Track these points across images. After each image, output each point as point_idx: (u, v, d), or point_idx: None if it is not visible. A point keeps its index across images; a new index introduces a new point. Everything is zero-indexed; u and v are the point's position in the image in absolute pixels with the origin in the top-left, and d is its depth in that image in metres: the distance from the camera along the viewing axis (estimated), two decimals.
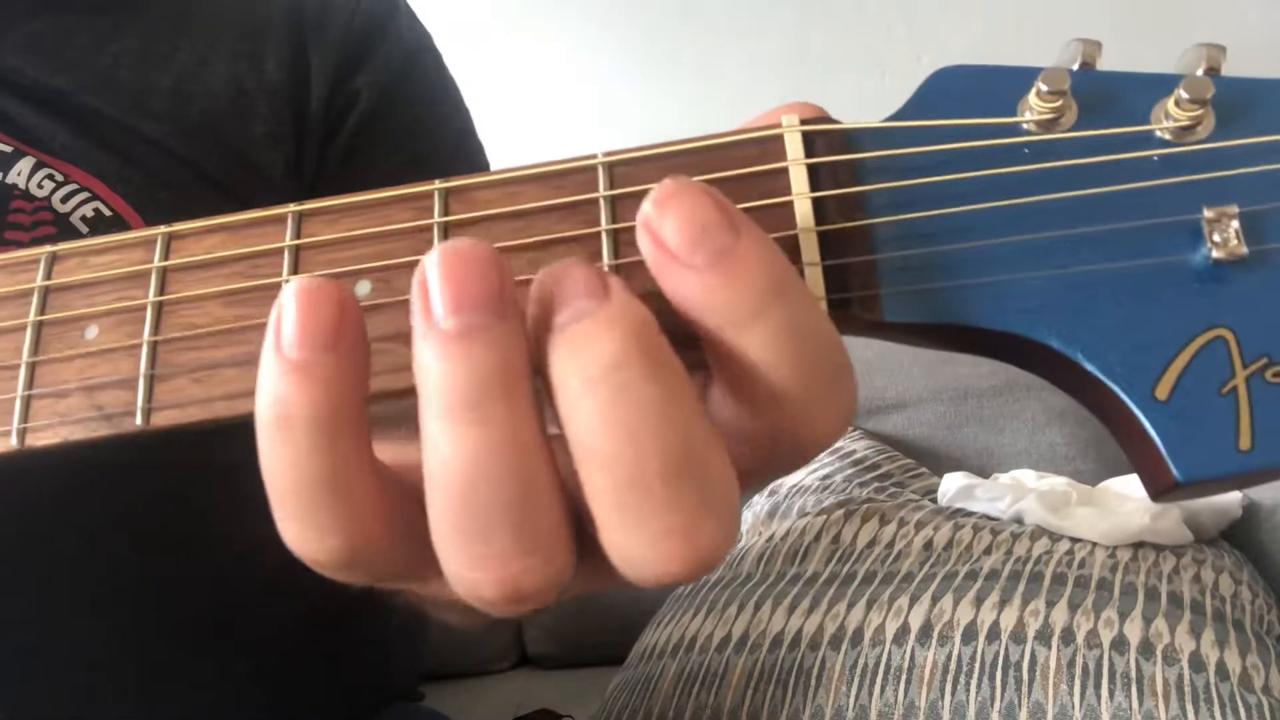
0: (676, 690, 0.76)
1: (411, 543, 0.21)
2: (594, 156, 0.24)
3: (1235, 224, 0.22)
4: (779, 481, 1.12)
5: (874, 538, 0.89)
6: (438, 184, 0.25)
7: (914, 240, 0.23)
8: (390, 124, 0.55)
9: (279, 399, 0.20)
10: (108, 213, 0.46)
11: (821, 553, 0.88)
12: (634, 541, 0.19)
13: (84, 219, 0.46)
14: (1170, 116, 0.23)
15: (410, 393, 0.20)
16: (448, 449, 0.19)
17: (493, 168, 0.62)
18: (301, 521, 0.21)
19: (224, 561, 0.50)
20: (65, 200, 0.46)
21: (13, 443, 0.25)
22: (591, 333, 0.19)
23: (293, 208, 0.25)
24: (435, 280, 0.19)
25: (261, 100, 0.52)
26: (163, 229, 0.26)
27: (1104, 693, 0.65)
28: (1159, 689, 0.65)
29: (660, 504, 0.19)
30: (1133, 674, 0.66)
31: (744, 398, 0.21)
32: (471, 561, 0.20)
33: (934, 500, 1.00)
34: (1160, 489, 0.22)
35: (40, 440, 0.25)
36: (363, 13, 0.56)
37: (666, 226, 0.20)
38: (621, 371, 0.19)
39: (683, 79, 1.53)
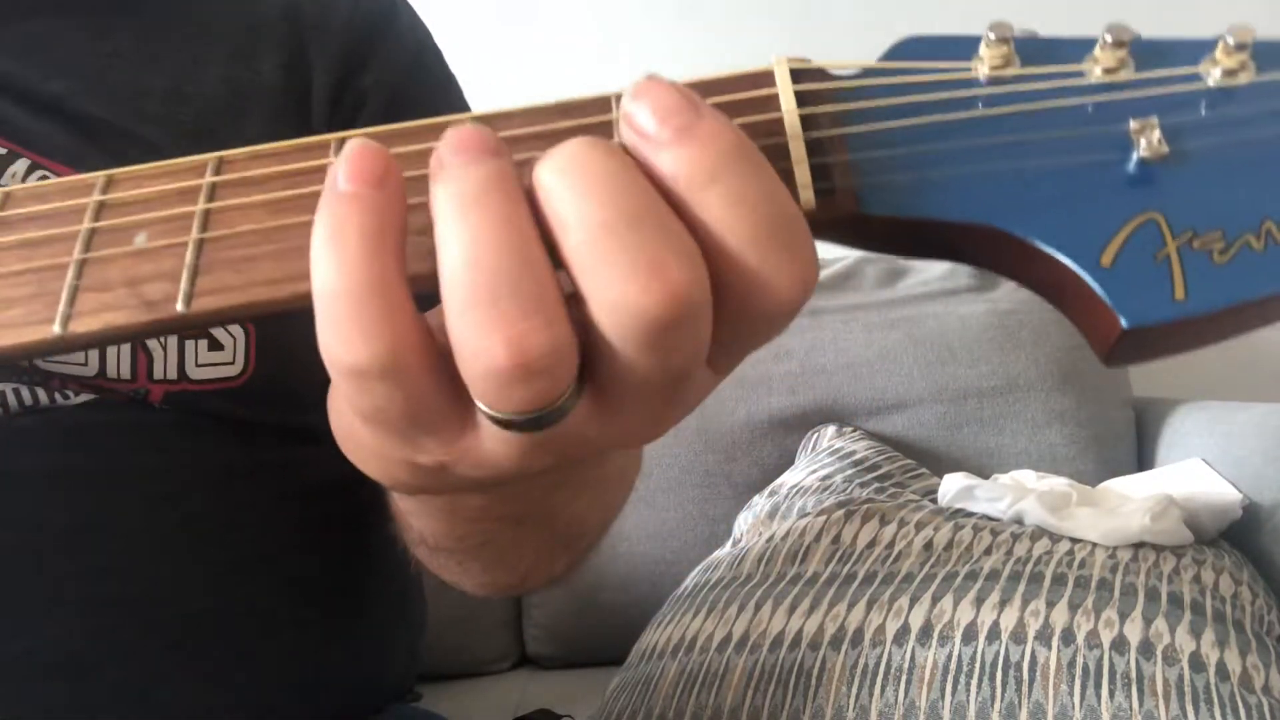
0: (676, 690, 0.76)
1: (439, 375, 0.25)
2: (610, 92, 0.28)
3: (1157, 132, 0.26)
4: (779, 481, 1.12)
5: (874, 538, 0.88)
6: (471, 115, 0.28)
7: (886, 145, 0.27)
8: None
9: (334, 217, 0.24)
10: None
11: (821, 553, 0.88)
12: (613, 284, 0.23)
13: None
14: (1098, 60, 0.28)
15: (431, 279, 0.24)
16: (457, 235, 0.23)
17: None
18: (350, 324, 0.24)
19: (218, 564, 0.49)
20: None
21: (55, 329, 0.27)
22: (561, 145, 0.24)
23: (337, 135, 0.28)
24: (445, 143, 0.24)
25: (257, 99, 0.51)
26: (214, 154, 0.29)
27: (1104, 693, 0.65)
28: (1159, 689, 0.65)
29: (627, 243, 0.23)
30: (1133, 674, 0.66)
31: (708, 257, 0.24)
32: (483, 327, 0.23)
33: (934, 501, 1.00)
34: (1110, 342, 0.25)
35: (83, 326, 0.27)
36: (362, 12, 0.56)
37: (640, 113, 0.24)
38: (584, 152, 0.24)
39: (682, 77, 1.53)
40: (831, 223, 0.27)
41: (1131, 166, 0.27)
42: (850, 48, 1.47)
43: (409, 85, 0.56)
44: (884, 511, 0.92)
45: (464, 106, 0.60)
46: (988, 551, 0.84)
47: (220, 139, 0.50)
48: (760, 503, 1.08)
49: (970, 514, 0.94)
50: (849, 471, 1.08)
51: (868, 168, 0.27)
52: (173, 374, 0.47)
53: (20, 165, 0.46)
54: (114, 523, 0.46)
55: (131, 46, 0.50)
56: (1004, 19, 0.28)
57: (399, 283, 0.24)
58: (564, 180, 0.23)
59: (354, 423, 0.27)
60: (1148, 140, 0.26)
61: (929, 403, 1.22)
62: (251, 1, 0.54)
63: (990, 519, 0.92)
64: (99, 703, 0.46)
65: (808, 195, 0.26)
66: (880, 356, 1.25)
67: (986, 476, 1.08)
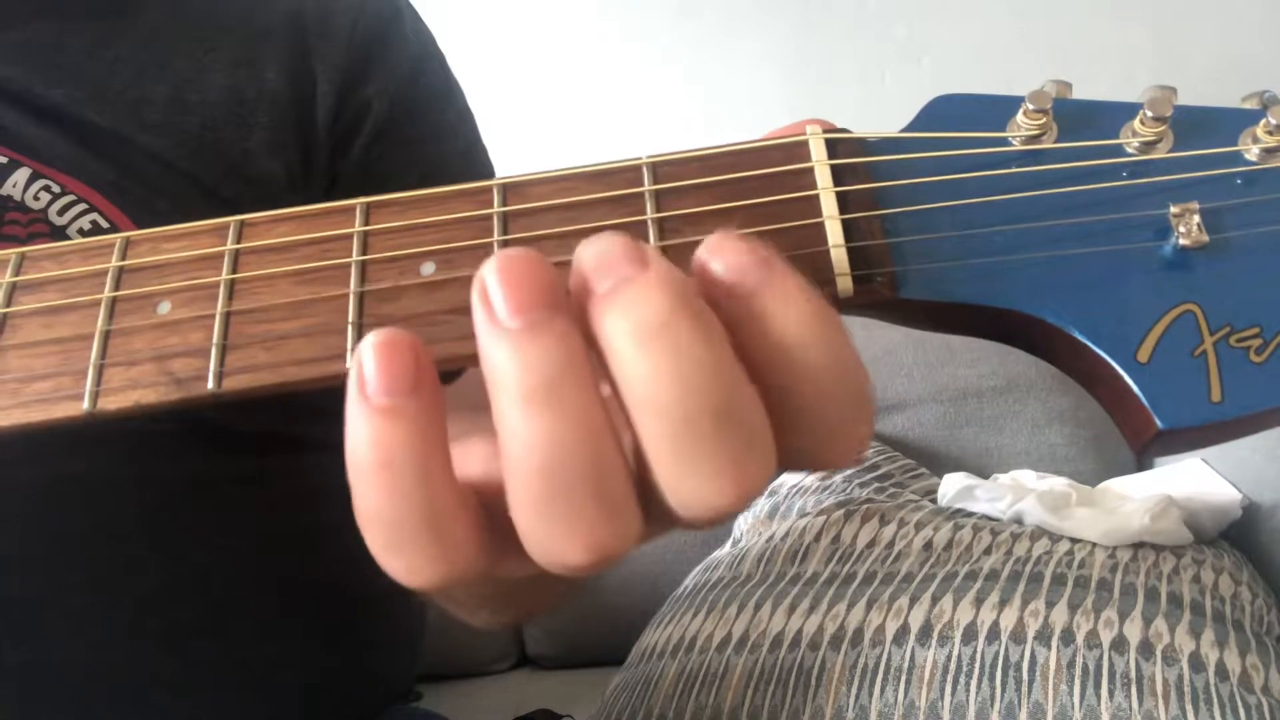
0: (676, 690, 0.76)
1: (494, 547, 0.23)
2: (639, 158, 0.27)
3: (1197, 218, 0.26)
4: (779, 481, 1.12)
5: (874, 538, 0.88)
6: (496, 181, 0.27)
7: (923, 229, 0.26)
8: (404, 133, 0.54)
9: (376, 443, 0.21)
10: (105, 224, 0.46)
11: (821, 553, 0.88)
12: (689, 481, 0.21)
13: (81, 231, 0.45)
14: (1137, 133, 0.27)
15: (471, 359, 0.22)
16: (529, 434, 0.21)
17: (504, 167, 0.62)
18: (407, 555, 0.22)
19: (216, 571, 0.49)
20: (62, 212, 0.45)
21: (84, 406, 0.26)
22: (641, 295, 0.21)
23: (361, 200, 0.27)
24: (494, 288, 0.21)
25: (261, 108, 0.51)
26: (235, 217, 0.28)
27: (1104, 693, 0.65)
28: (1159, 689, 0.65)
29: (712, 445, 0.21)
30: (1132, 674, 0.66)
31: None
32: (561, 534, 0.21)
33: (934, 501, 1.00)
34: (1144, 439, 0.25)
35: (112, 404, 0.26)
36: (367, 18, 0.55)
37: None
38: (671, 327, 0.21)
39: (682, 81, 1.53)
40: (866, 306, 0.26)
41: (1170, 253, 0.26)
42: (849, 47, 1.46)
43: (411, 92, 0.55)
44: (884, 511, 0.92)
45: (466, 113, 0.60)
46: (987, 551, 0.84)
47: (223, 147, 0.50)
48: (760, 502, 1.08)
49: (970, 514, 0.94)
50: (849, 471, 1.08)
51: (905, 252, 0.26)
52: None
53: (21, 175, 0.45)
54: (112, 531, 0.46)
55: (134, 53, 0.50)
56: (1042, 88, 0.27)
57: (452, 497, 0.22)
58: (648, 357, 0.21)
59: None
60: (1187, 227, 0.26)
61: (929, 403, 1.22)
62: (255, 8, 0.54)
63: (990, 519, 0.92)
64: (99, 708, 0.46)
65: (845, 282, 0.26)
66: (880, 356, 1.25)
67: (986, 476, 1.08)
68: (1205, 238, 0.26)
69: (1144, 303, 0.25)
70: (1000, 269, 0.26)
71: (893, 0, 1.47)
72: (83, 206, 0.46)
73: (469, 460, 0.24)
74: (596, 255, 0.21)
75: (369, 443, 0.21)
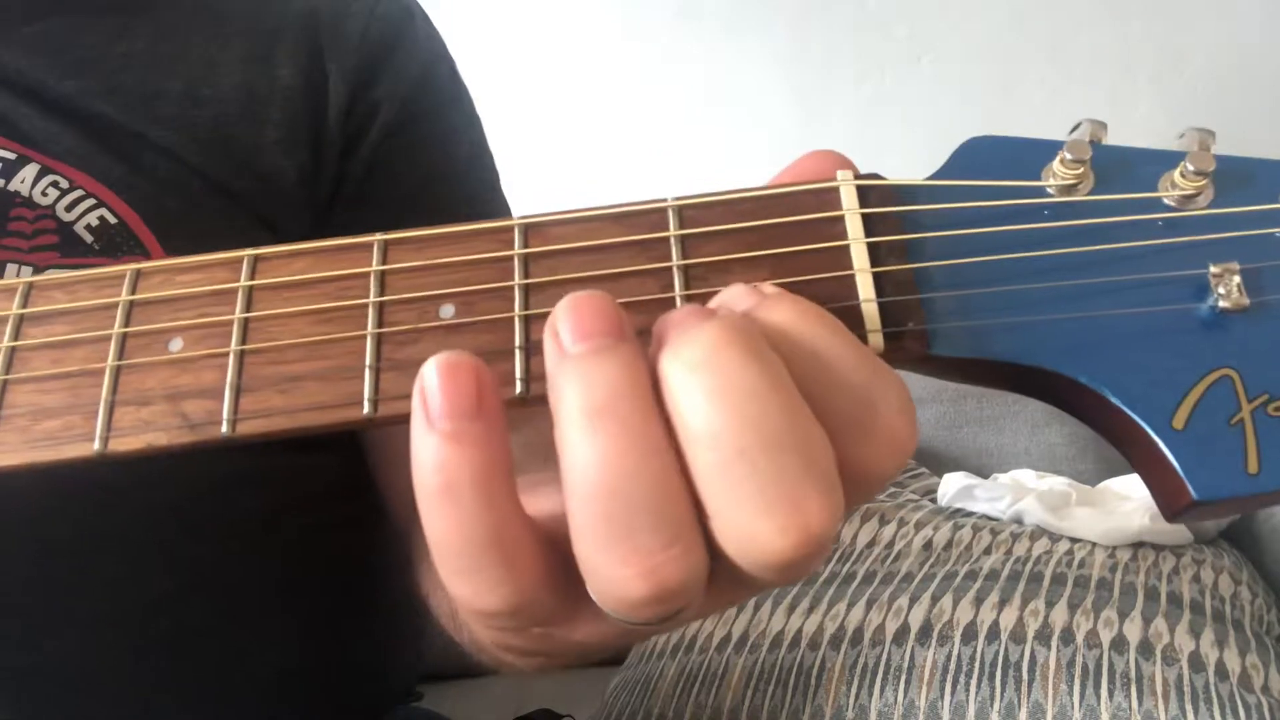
0: (676, 690, 0.76)
1: (563, 586, 0.23)
2: (664, 200, 0.26)
3: (1237, 279, 0.25)
4: None
5: (874, 538, 0.89)
6: (517, 220, 0.27)
7: (956, 284, 0.26)
8: (410, 136, 0.54)
9: (440, 467, 0.22)
10: (113, 220, 0.45)
11: None
12: (745, 517, 0.21)
13: (89, 227, 0.45)
14: (1176, 185, 0.26)
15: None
16: (588, 454, 0.21)
17: (506, 168, 0.62)
18: (474, 578, 0.22)
19: (220, 573, 0.49)
20: (70, 208, 0.45)
21: (95, 447, 0.26)
22: (694, 329, 0.21)
23: (379, 236, 0.27)
24: (563, 320, 0.22)
25: (274, 105, 0.51)
26: (249, 251, 0.27)
27: (1103, 693, 0.65)
28: (1158, 689, 0.65)
29: (766, 475, 0.20)
30: (1132, 674, 0.66)
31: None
32: (618, 559, 0.21)
33: (934, 500, 1.00)
34: (1178, 508, 0.24)
35: (124, 446, 0.26)
36: (379, 20, 0.55)
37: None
38: (721, 353, 0.21)
39: (682, 80, 1.53)
40: (894, 363, 0.25)
41: (1208, 315, 0.25)
42: (849, 47, 1.45)
43: (419, 96, 0.55)
44: (884, 511, 0.92)
45: (473, 117, 0.60)
46: (987, 551, 0.84)
47: (235, 143, 0.49)
48: None
49: (970, 514, 0.94)
50: None
51: (937, 307, 0.25)
52: None
53: (29, 170, 0.45)
54: (116, 535, 0.46)
55: (147, 47, 0.50)
56: (1077, 131, 0.27)
57: (517, 520, 0.22)
58: (697, 385, 0.21)
59: (464, 615, 0.25)
60: (1227, 288, 0.25)
61: (929, 403, 1.22)
62: (266, 6, 0.54)
63: (990, 519, 0.92)
64: (103, 711, 0.46)
65: (876, 339, 0.25)
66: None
67: (986, 476, 1.08)
68: (1246, 301, 0.25)
69: (1181, 366, 0.24)
70: (1034, 326, 0.25)
71: (893, 0, 1.47)
72: (91, 202, 0.45)
73: (534, 503, 0.24)
74: (673, 316, 0.22)
75: (434, 467, 0.22)
